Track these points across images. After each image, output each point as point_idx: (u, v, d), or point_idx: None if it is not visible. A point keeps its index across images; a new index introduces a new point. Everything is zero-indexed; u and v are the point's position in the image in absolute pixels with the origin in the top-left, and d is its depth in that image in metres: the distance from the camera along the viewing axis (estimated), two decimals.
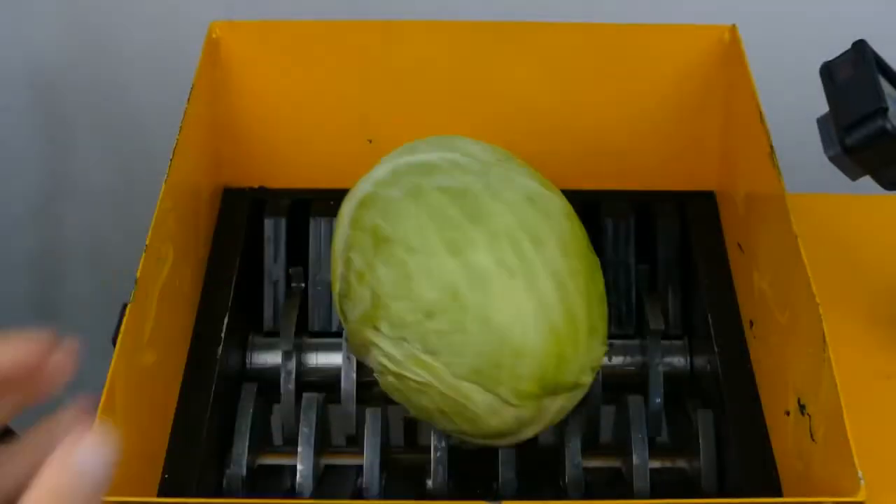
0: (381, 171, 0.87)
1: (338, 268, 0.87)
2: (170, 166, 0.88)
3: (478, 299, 0.79)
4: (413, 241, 0.81)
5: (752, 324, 0.93)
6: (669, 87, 1.04)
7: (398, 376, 0.83)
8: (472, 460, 0.91)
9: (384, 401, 0.90)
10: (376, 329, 0.82)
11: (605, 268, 1.01)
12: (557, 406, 0.83)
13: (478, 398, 0.80)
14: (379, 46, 1.03)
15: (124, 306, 0.80)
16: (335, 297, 0.88)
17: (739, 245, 0.98)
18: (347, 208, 0.88)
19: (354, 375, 0.96)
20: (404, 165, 0.86)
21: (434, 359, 0.80)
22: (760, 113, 0.92)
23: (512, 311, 0.79)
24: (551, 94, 1.04)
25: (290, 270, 1.02)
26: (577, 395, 0.84)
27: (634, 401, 0.91)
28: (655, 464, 0.91)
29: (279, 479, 0.94)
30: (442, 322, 0.79)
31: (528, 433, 0.84)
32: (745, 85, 0.95)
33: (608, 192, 1.06)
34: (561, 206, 0.86)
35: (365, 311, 0.83)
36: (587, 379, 0.83)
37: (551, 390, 0.81)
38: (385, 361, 0.83)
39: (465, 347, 0.79)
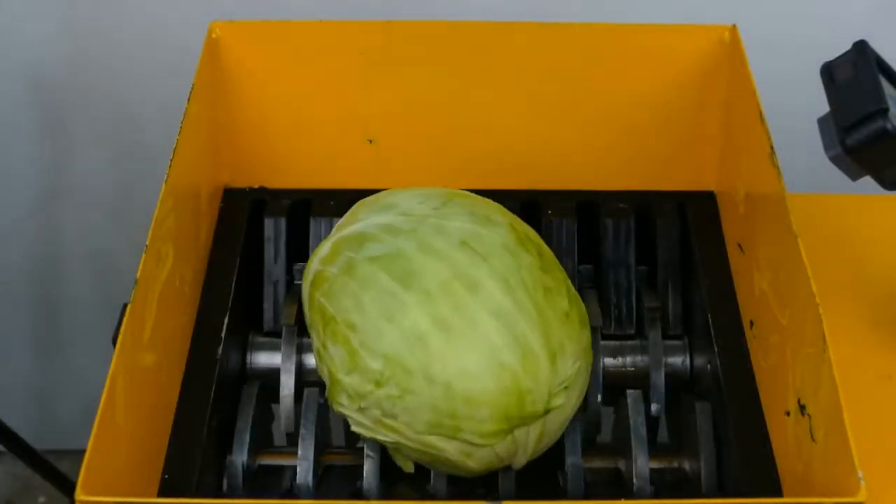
0: (325, 246, 0.89)
1: (314, 345, 0.90)
2: (170, 166, 0.88)
3: (419, 361, 0.81)
4: (352, 317, 0.83)
5: (752, 324, 0.93)
6: (669, 87, 1.04)
7: (375, 439, 0.85)
8: None
9: None
10: (339, 403, 0.85)
11: (605, 268, 1.02)
12: (537, 432, 0.84)
13: (445, 446, 0.83)
14: (379, 46, 1.03)
15: (124, 306, 0.80)
16: None
17: (739, 245, 0.98)
18: (304, 287, 0.90)
19: None
20: (341, 240, 0.87)
21: (394, 421, 0.83)
22: (760, 113, 0.92)
23: (454, 363, 0.81)
24: (552, 94, 1.04)
25: (295, 266, 1.02)
26: (557, 418, 0.85)
27: (634, 401, 0.91)
28: (655, 464, 0.91)
29: (279, 479, 0.94)
30: (391, 388, 0.82)
31: (520, 461, 0.86)
32: (745, 85, 0.95)
33: (607, 193, 1.06)
34: (501, 239, 0.85)
35: (328, 388, 0.86)
36: (559, 401, 0.84)
37: (518, 423, 0.83)
38: (359, 430, 0.85)
39: (418, 407, 0.82)
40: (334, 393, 0.85)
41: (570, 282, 0.88)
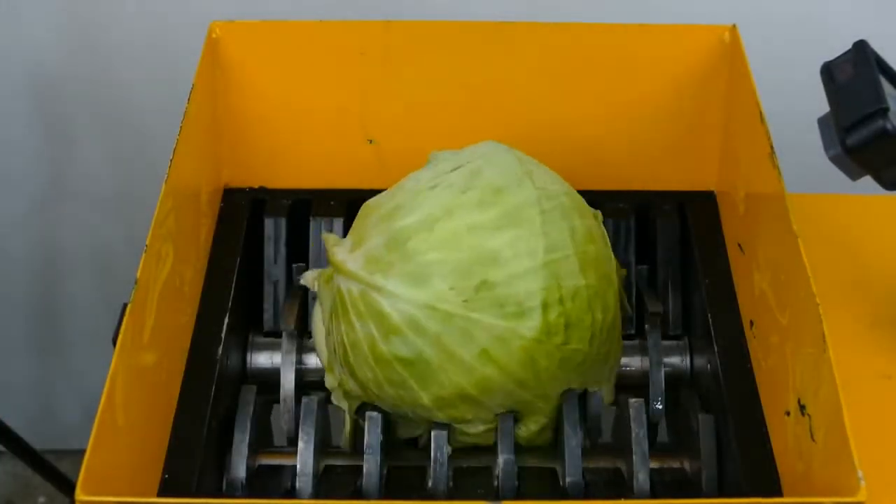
0: (353, 288, 0.86)
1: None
2: (170, 166, 0.88)
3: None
4: (370, 387, 0.88)
5: (752, 324, 0.93)
6: (670, 88, 1.04)
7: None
8: (472, 460, 0.91)
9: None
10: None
11: None
12: None
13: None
14: (379, 46, 1.03)
15: (124, 306, 0.80)
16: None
17: (739, 245, 0.98)
18: (320, 290, 0.93)
19: None
20: (364, 296, 0.85)
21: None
22: (760, 113, 0.92)
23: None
24: (552, 94, 1.04)
25: (294, 266, 1.02)
26: None
27: (634, 401, 0.91)
28: (655, 464, 0.91)
29: (279, 479, 0.94)
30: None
31: None
32: (745, 85, 0.95)
33: (608, 192, 1.06)
34: (522, 343, 0.83)
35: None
36: None
37: None
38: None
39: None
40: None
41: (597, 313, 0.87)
